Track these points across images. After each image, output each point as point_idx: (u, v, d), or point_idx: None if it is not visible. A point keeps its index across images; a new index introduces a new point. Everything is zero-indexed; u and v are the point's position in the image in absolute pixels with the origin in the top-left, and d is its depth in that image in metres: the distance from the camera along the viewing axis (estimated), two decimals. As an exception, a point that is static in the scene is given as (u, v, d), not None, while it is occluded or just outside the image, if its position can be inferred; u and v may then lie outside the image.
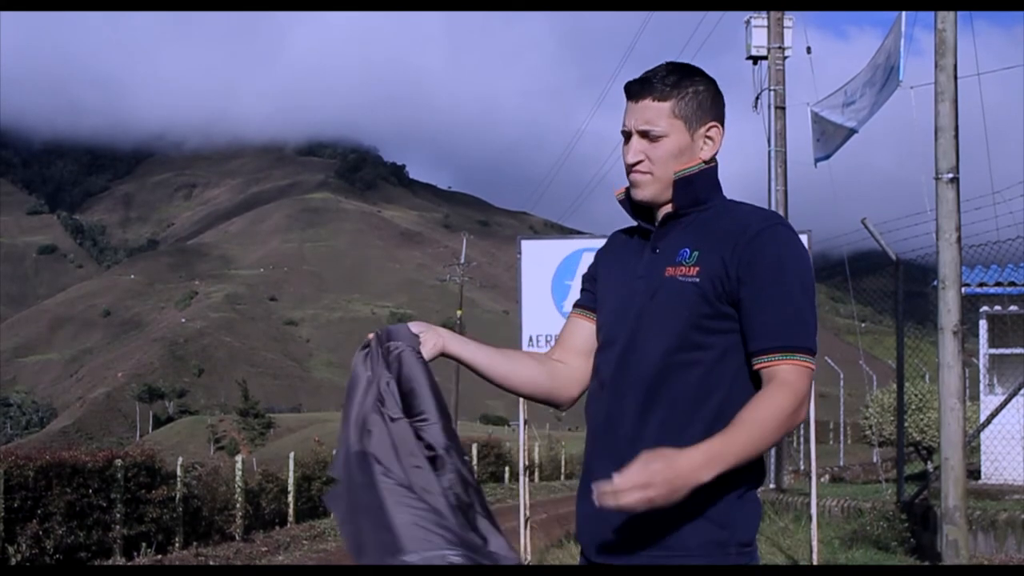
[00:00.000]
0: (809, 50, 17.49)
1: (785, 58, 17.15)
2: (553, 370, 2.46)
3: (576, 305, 2.53)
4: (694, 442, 2.11)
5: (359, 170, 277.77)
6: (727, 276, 2.20)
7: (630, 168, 2.35)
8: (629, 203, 2.44)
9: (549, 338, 8.21)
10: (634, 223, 2.44)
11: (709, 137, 2.35)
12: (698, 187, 2.33)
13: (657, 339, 2.24)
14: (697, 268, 2.23)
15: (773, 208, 16.92)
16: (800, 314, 2.18)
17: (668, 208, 2.35)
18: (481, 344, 2.46)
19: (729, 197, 2.39)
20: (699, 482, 2.01)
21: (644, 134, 2.32)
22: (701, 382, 2.20)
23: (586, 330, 2.47)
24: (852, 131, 11.97)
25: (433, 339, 2.36)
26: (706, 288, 2.21)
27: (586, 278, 2.55)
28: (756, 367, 2.18)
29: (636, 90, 2.35)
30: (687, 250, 2.27)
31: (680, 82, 2.32)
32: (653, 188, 2.34)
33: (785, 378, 2.14)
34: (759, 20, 17.11)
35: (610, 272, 2.44)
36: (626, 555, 2.19)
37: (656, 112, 2.31)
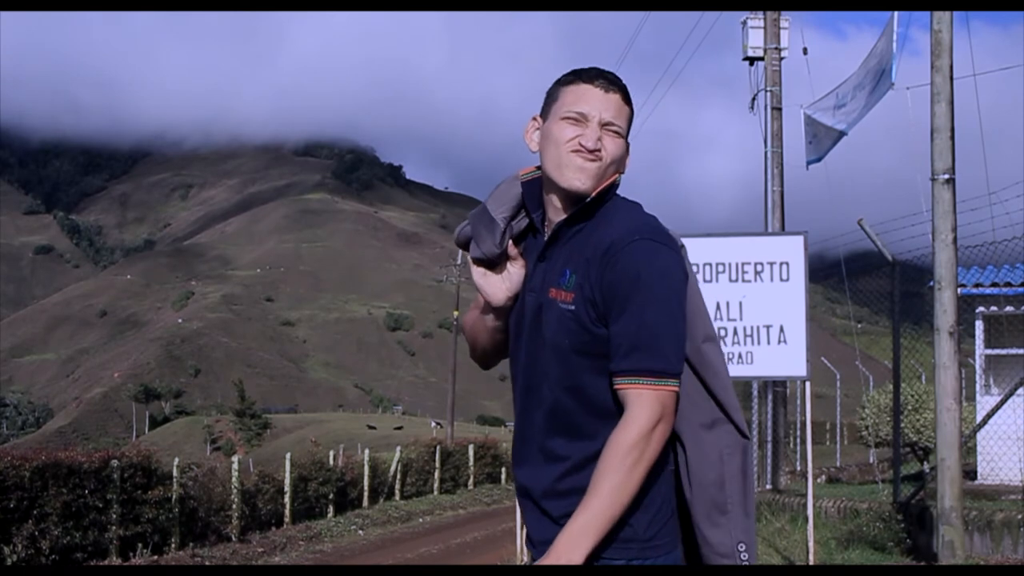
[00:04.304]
0: (806, 51, 17.49)
1: (782, 59, 17.15)
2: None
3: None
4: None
5: (356, 170, 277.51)
6: (594, 299, 2.20)
7: (589, 152, 2.26)
8: (536, 192, 2.36)
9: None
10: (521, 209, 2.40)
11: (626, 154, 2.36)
12: (604, 201, 2.30)
13: (547, 362, 2.27)
14: (573, 295, 2.22)
15: (770, 209, 16.91)
16: (653, 334, 2.15)
17: (563, 214, 2.31)
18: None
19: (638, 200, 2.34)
20: (577, 559, 2.07)
21: (607, 125, 2.28)
22: (593, 403, 2.23)
23: None
24: (842, 134, 11.94)
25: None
26: (581, 315, 2.21)
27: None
28: (615, 387, 2.18)
29: (608, 83, 2.30)
30: (568, 271, 2.26)
31: (630, 94, 2.33)
32: (596, 182, 2.28)
33: (630, 410, 2.14)
34: (756, 21, 17.11)
35: (528, 275, 2.39)
36: (538, 548, 2.26)
37: (621, 111, 2.30)
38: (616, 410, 2.20)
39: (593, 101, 2.28)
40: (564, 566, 2.07)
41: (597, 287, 2.19)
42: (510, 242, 2.39)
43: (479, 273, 2.40)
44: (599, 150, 2.26)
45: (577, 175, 2.26)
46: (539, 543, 2.28)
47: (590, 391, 2.23)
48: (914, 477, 14.20)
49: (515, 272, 2.39)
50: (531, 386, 2.32)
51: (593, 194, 2.27)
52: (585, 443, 2.23)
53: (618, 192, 2.35)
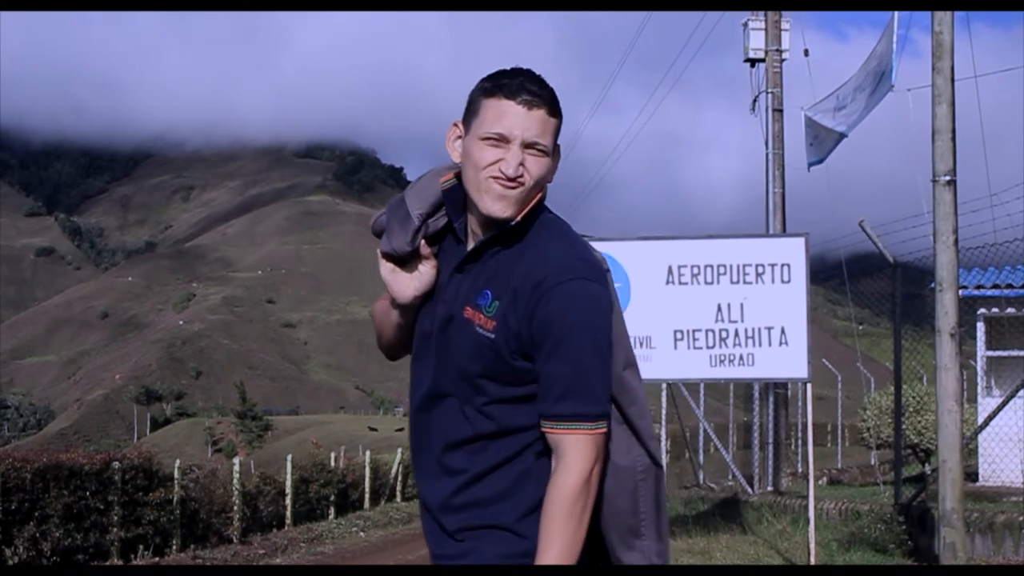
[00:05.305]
0: (807, 53, 17.49)
1: (783, 60, 17.16)
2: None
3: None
4: (505, 489, 2.14)
5: (357, 172, 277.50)
6: (519, 333, 2.11)
7: (509, 179, 2.11)
8: (457, 199, 2.23)
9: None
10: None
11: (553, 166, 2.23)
12: (531, 220, 2.18)
13: (453, 380, 2.19)
14: (495, 323, 2.13)
15: (771, 210, 16.91)
16: (586, 379, 2.08)
17: (484, 231, 2.20)
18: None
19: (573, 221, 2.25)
20: None
21: (530, 146, 2.13)
22: (496, 423, 2.17)
23: None
24: (842, 135, 11.94)
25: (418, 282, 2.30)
26: (500, 345, 2.12)
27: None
28: (542, 429, 2.12)
29: (532, 98, 2.13)
30: (489, 294, 2.15)
31: (557, 102, 2.18)
32: (519, 208, 2.15)
33: (564, 459, 2.08)
34: (756, 22, 17.11)
35: (441, 279, 2.28)
36: (438, 558, 2.23)
37: (546, 127, 2.14)
38: (519, 428, 2.15)
39: (515, 120, 2.12)
40: (562, 565, 2.06)
41: (525, 322, 2.09)
42: (423, 241, 2.26)
43: (387, 269, 2.29)
44: (521, 176, 2.12)
45: (497, 203, 2.13)
46: (436, 557, 2.23)
47: (496, 414, 2.16)
48: (915, 479, 14.21)
49: (426, 272, 2.27)
50: (434, 396, 2.23)
51: (517, 219, 2.15)
52: (483, 456, 2.17)
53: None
